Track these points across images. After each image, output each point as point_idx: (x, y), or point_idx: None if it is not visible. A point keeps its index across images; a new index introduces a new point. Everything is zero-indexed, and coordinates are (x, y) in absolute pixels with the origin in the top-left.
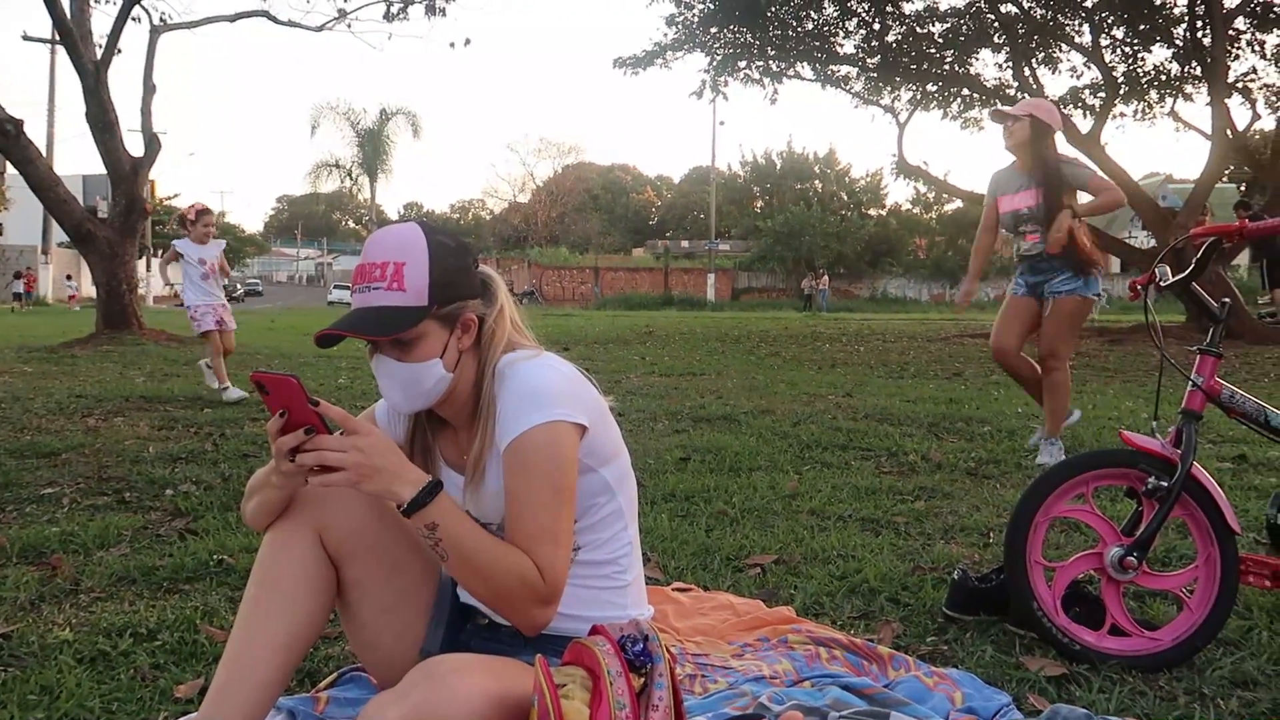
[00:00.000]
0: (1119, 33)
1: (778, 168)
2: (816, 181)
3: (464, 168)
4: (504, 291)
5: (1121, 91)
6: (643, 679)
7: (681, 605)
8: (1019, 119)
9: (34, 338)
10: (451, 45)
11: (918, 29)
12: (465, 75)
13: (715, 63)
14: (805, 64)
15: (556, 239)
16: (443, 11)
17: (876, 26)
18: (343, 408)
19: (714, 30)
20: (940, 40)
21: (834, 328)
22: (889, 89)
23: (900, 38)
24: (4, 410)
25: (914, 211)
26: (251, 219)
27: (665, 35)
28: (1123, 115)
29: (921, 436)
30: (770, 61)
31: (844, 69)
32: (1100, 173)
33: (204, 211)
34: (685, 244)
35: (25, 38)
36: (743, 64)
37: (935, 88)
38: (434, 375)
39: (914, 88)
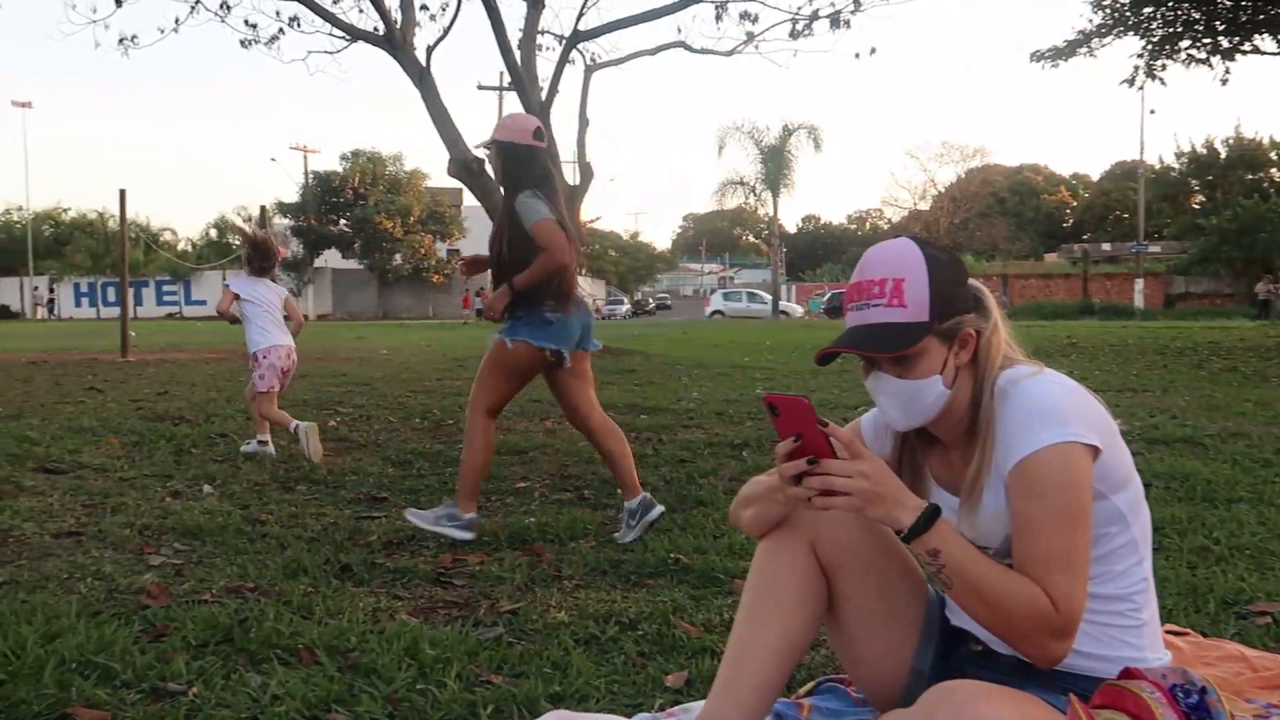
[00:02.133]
0: None
1: (1222, 157)
2: (1274, 170)
3: (862, 177)
4: (996, 305)
5: None
6: None
7: (1180, 651)
8: (489, 150)
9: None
10: (856, 56)
11: None
12: (865, 84)
13: (1151, 45)
14: (1265, 34)
15: (960, 246)
16: (847, 24)
17: None
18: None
19: (1149, 10)
20: None
21: None
22: None
23: None
24: None
25: None
26: (661, 237)
27: (1090, 21)
28: None
29: None
30: (1220, 37)
31: None
32: (552, 218)
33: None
34: (1106, 247)
35: (480, 87)
36: (1185, 44)
37: None
38: (933, 392)
39: None
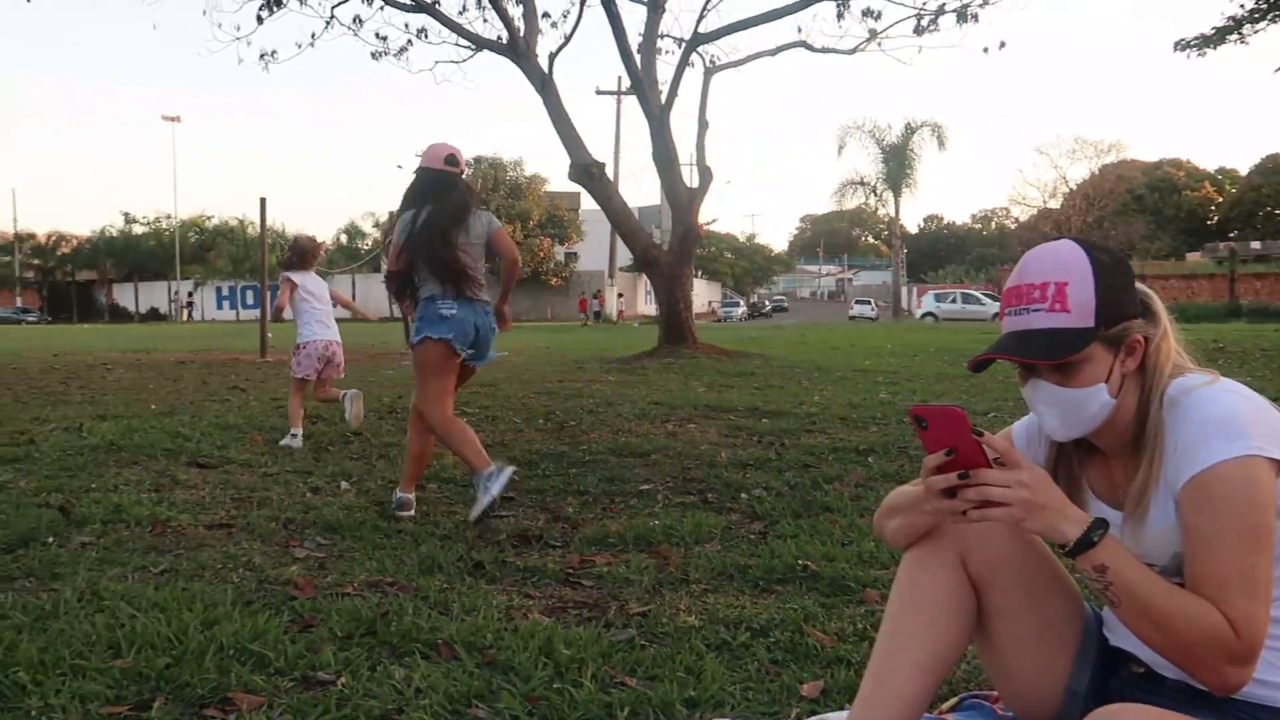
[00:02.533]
0: None
1: None
2: None
3: (988, 176)
4: (1164, 309)
5: None
6: None
7: None
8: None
9: (608, 350)
10: (984, 50)
11: None
12: (992, 80)
13: None
14: None
15: None
16: (975, 18)
17: None
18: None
19: None
20: None
21: None
22: None
23: None
24: (602, 414)
25: None
26: (778, 239)
27: (1242, 6)
28: None
29: None
30: None
31: None
32: (398, 243)
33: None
34: (1256, 245)
35: (598, 92)
36: None
37: None
38: (1097, 401)
39: None
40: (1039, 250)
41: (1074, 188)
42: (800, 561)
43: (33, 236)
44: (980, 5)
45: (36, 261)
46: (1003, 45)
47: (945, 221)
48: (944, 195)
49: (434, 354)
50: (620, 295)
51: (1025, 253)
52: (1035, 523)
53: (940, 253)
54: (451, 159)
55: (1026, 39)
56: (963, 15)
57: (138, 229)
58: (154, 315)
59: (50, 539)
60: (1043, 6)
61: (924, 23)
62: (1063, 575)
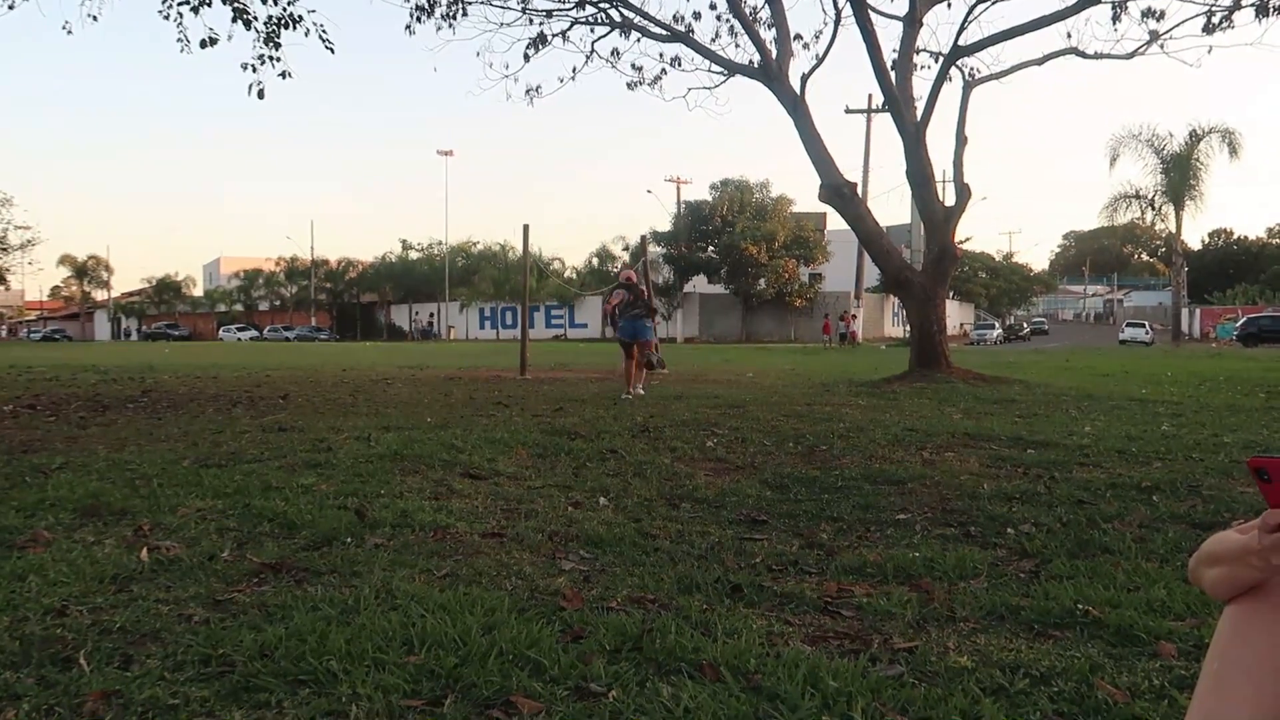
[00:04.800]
0: None
1: None
2: None
3: None
4: None
5: None
6: None
7: None
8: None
9: (856, 373)
10: None
11: None
12: None
13: None
14: None
15: None
16: (1278, 9)
17: None
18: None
19: None
20: None
21: None
22: None
23: None
24: (853, 439)
25: None
26: (1038, 257)
27: None
28: None
29: None
30: None
31: None
32: (613, 299)
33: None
34: None
35: (848, 111)
36: None
37: None
38: None
39: None
40: None
41: None
42: (1079, 605)
43: (326, 263)
44: None
45: (329, 285)
46: None
47: (1235, 236)
48: (1233, 207)
49: (621, 341)
50: (854, 316)
51: None
52: None
53: (1229, 271)
54: (628, 268)
55: None
56: (1263, 8)
57: (413, 255)
58: (425, 334)
59: (348, 539)
60: None
61: (1215, 20)
62: None
